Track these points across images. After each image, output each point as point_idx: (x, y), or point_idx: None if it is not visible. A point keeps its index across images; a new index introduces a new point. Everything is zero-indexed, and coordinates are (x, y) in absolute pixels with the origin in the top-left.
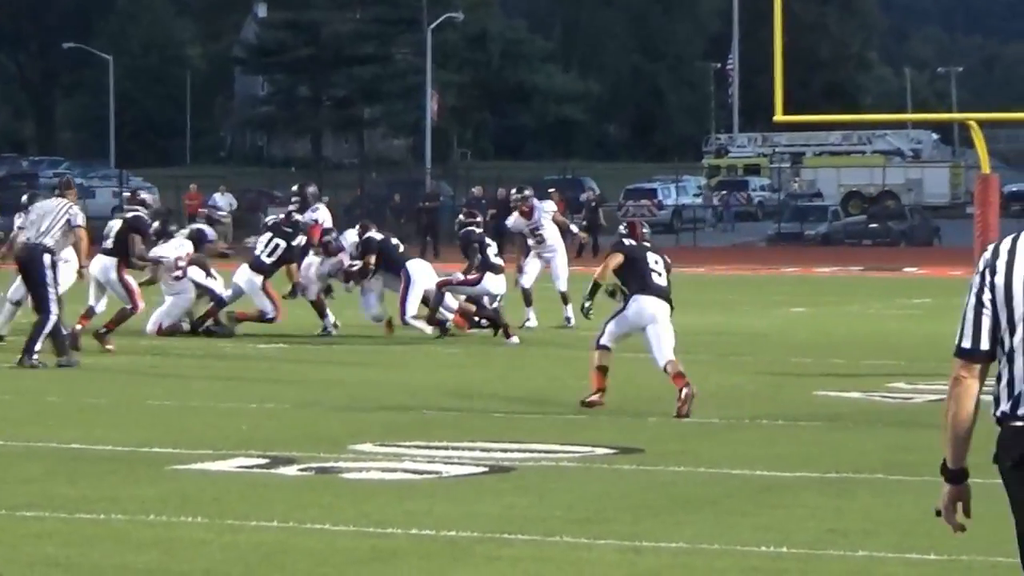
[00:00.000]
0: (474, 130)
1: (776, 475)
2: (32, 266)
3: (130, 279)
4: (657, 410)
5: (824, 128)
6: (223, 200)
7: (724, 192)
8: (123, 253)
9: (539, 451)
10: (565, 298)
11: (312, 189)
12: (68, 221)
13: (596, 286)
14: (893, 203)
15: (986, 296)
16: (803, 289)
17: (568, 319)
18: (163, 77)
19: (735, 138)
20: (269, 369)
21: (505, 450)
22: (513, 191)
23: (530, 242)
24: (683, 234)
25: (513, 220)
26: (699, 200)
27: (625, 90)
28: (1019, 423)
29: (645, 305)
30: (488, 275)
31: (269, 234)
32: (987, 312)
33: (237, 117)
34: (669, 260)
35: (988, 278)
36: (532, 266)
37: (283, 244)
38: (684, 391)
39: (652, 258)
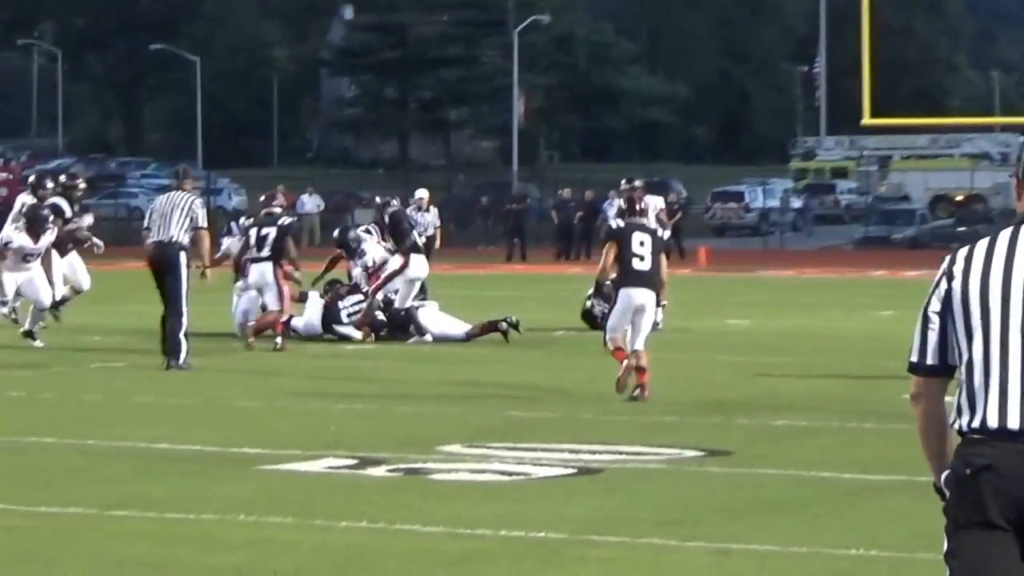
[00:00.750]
0: (561, 132)
1: (865, 478)
2: (166, 265)
3: (284, 284)
4: (745, 413)
5: (912, 131)
6: (311, 202)
7: (804, 195)
8: (279, 256)
9: (628, 453)
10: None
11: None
12: (192, 219)
13: (599, 284)
14: (981, 206)
15: (933, 308)
16: (890, 292)
17: (656, 322)
18: (250, 79)
19: (822, 141)
20: (357, 369)
21: (594, 452)
22: (623, 181)
23: None
24: (770, 237)
25: (616, 209)
26: (790, 203)
27: (712, 93)
28: (978, 436)
29: (631, 297)
30: (413, 257)
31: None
32: (933, 326)
33: (324, 119)
34: (663, 235)
35: (944, 284)
36: None
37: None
38: (641, 390)
39: (637, 240)
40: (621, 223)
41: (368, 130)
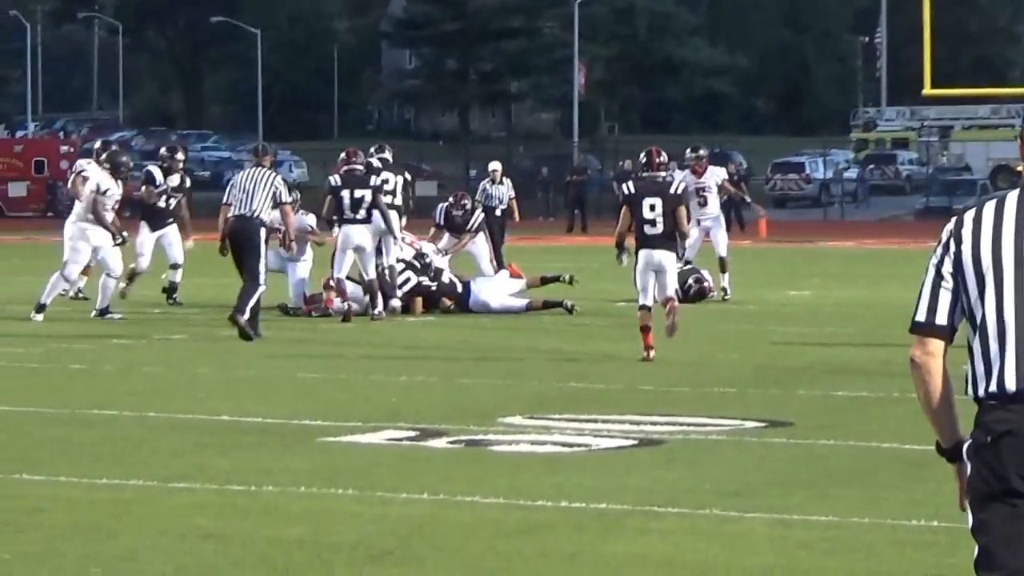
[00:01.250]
0: (621, 103)
1: (927, 449)
2: (247, 240)
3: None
4: (806, 384)
5: (973, 101)
6: None
7: (859, 167)
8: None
9: (689, 424)
10: (724, 265)
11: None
12: (275, 195)
13: (618, 245)
14: None
15: (946, 268)
16: None
17: (725, 289)
18: (310, 51)
19: (883, 111)
20: (418, 342)
21: (655, 423)
22: (688, 150)
23: (693, 205)
24: (830, 208)
25: (682, 177)
26: (847, 174)
27: (772, 63)
28: (995, 402)
29: (649, 256)
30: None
31: None
32: (947, 285)
33: (384, 91)
34: (679, 193)
35: (953, 248)
36: (695, 237)
37: None
38: (672, 318)
39: (647, 204)
40: (632, 188)
41: (428, 102)
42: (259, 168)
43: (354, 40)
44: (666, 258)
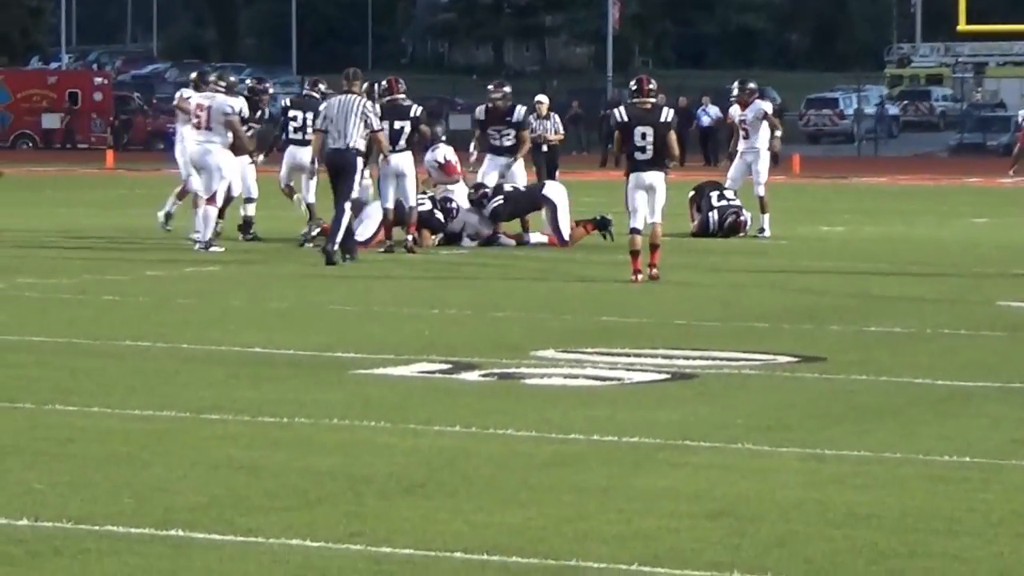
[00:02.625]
0: (655, 39)
1: (958, 384)
2: (344, 171)
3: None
4: (839, 319)
5: (1007, 38)
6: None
7: (878, 104)
8: (415, 148)
9: (721, 359)
10: (763, 205)
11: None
12: (366, 123)
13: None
14: None
15: None
16: (985, 200)
17: (762, 229)
18: None
19: (917, 48)
20: (450, 275)
21: (687, 357)
22: (736, 82)
23: (739, 140)
24: (863, 144)
25: (731, 110)
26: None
27: None
28: None
29: (638, 178)
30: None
31: None
32: None
33: (418, 24)
34: (668, 121)
35: None
36: (738, 170)
37: None
38: (652, 270)
39: (639, 133)
40: (624, 115)
41: (462, 36)
42: (349, 96)
43: None
44: (655, 178)
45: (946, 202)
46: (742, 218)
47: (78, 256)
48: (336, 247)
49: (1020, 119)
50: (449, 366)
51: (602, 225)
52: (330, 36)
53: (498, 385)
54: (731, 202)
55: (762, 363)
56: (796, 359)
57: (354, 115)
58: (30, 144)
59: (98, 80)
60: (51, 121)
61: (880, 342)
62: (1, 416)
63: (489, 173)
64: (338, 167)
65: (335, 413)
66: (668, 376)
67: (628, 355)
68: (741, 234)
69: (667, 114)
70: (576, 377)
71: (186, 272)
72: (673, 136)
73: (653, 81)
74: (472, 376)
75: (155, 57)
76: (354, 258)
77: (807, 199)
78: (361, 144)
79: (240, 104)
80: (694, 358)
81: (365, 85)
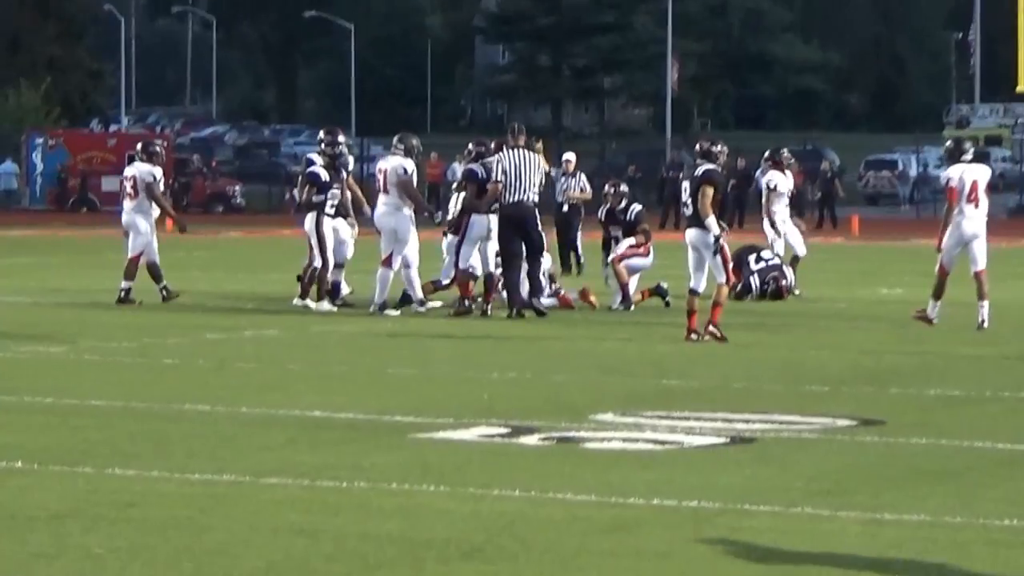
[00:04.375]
0: (714, 100)
1: (1019, 448)
2: (528, 222)
3: None
4: (898, 381)
5: None
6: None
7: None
8: None
9: (780, 422)
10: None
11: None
12: (541, 180)
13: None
14: None
15: None
16: None
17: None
18: (404, 45)
19: (976, 108)
20: (509, 338)
21: (747, 421)
22: (785, 151)
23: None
24: (923, 205)
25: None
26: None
27: (866, 60)
28: None
29: (686, 239)
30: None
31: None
32: None
33: (478, 86)
34: (698, 175)
35: None
36: (794, 235)
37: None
38: (709, 327)
39: (684, 188)
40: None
41: (522, 97)
42: (521, 150)
43: (447, 35)
44: (692, 236)
45: (1005, 263)
46: (784, 282)
47: (138, 319)
48: (532, 300)
49: (943, 180)
50: (508, 430)
51: (659, 292)
52: (389, 97)
53: (557, 449)
54: (770, 262)
55: (821, 426)
56: (855, 422)
57: (534, 171)
58: (89, 207)
59: (157, 143)
60: (111, 184)
61: (940, 405)
62: (62, 480)
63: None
64: (520, 219)
65: (394, 477)
66: (728, 440)
67: (688, 418)
68: (786, 296)
69: (701, 168)
70: (636, 441)
71: (246, 335)
72: (704, 190)
73: (707, 143)
74: (531, 440)
75: (214, 119)
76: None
77: (866, 261)
78: (536, 198)
79: (410, 166)
80: (754, 421)
81: (403, 144)
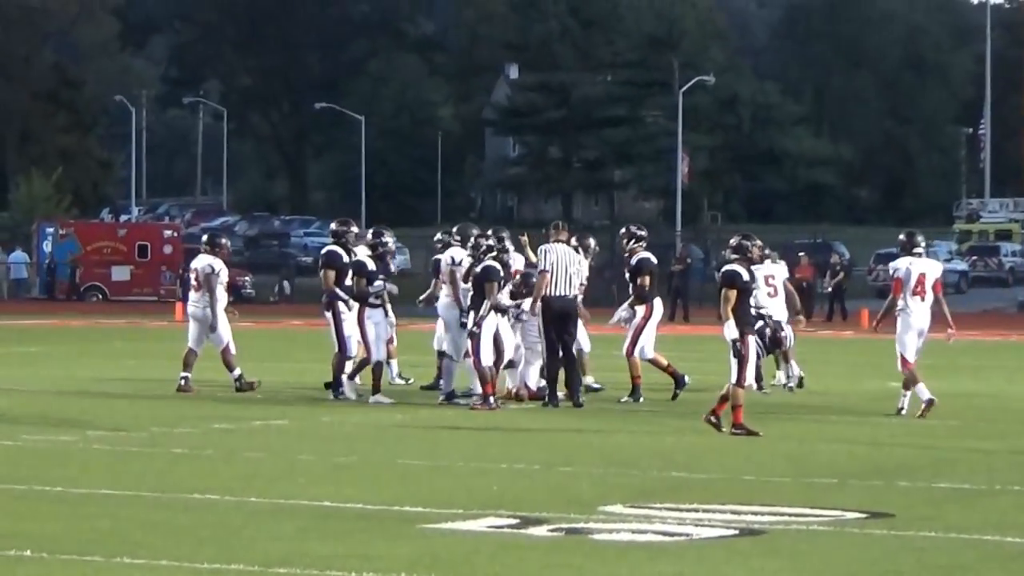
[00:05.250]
0: (724, 193)
1: None
2: (571, 319)
3: None
4: (907, 475)
5: None
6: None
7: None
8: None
9: (790, 514)
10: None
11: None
12: (580, 275)
13: None
14: None
15: None
16: None
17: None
18: (414, 138)
19: (986, 203)
20: (518, 430)
21: (756, 513)
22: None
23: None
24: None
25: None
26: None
27: (876, 154)
28: None
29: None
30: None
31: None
32: None
33: (488, 178)
34: (721, 275)
35: None
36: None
37: None
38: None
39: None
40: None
41: (532, 190)
42: (564, 244)
43: (458, 127)
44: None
45: (1015, 357)
46: (782, 333)
47: (147, 408)
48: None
49: (891, 270)
50: (517, 521)
51: (676, 382)
52: (400, 190)
53: (566, 540)
54: (767, 316)
55: (831, 519)
56: (865, 515)
57: (574, 266)
58: (100, 296)
59: (167, 233)
60: (121, 273)
61: (949, 498)
62: (72, 569)
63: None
64: (563, 314)
65: (403, 568)
66: (736, 532)
67: (697, 511)
68: (783, 348)
69: (724, 268)
70: (644, 532)
71: (254, 425)
72: (727, 294)
73: (740, 237)
74: (540, 531)
75: (225, 210)
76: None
77: (875, 353)
78: (580, 292)
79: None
80: (763, 514)
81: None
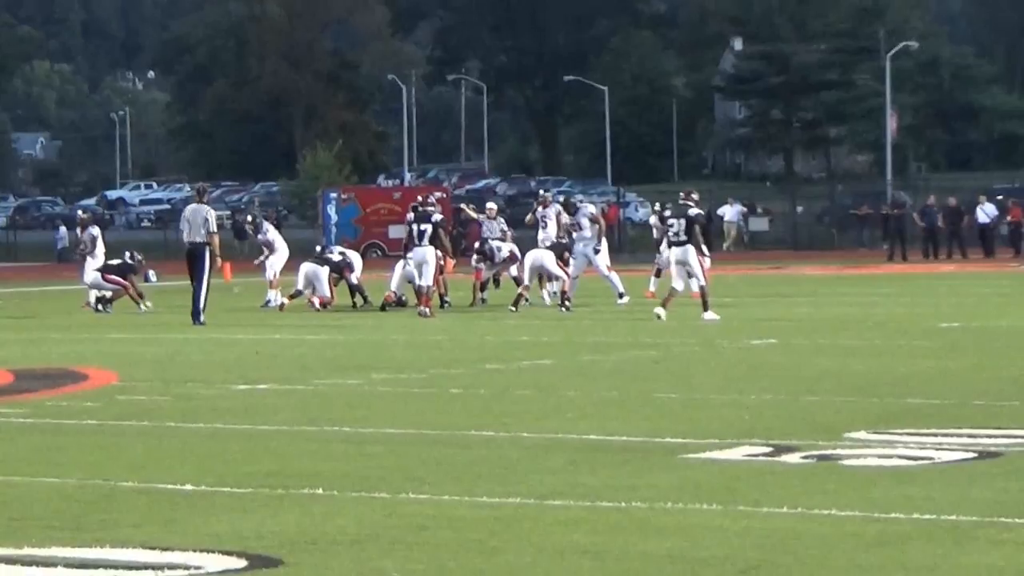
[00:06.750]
0: (928, 146)
1: None
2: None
3: None
4: None
5: None
6: (732, 210)
7: None
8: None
9: (1023, 437)
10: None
11: None
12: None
13: None
14: None
15: None
16: None
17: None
18: (652, 105)
19: None
20: (762, 362)
21: (990, 436)
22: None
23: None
24: None
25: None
26: None
27: None
28: None
29: None
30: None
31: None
32: None
33: (718, 138)
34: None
35: None
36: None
37: None
38: None
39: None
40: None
41: (757, 148)
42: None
43: (690, 94)
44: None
45: None
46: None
47: (425, 353)
48: None
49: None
50: (771, 449)
51: None
52: (640, 151)
53: (818, 467)
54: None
55: None
56: None
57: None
58: (379, 253)
59: (437, 195)
60: (397, 232)
61: None
62: (361, 505)
63: None
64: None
65: (669, 497)
66: (975, 455)
67: (935, 435)
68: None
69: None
70: (890, 457)
71: (523, 365)
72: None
73: None
74: (793, 458)
75: (486, 173)
76: None
77: None
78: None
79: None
80: (997, 437)
81: None
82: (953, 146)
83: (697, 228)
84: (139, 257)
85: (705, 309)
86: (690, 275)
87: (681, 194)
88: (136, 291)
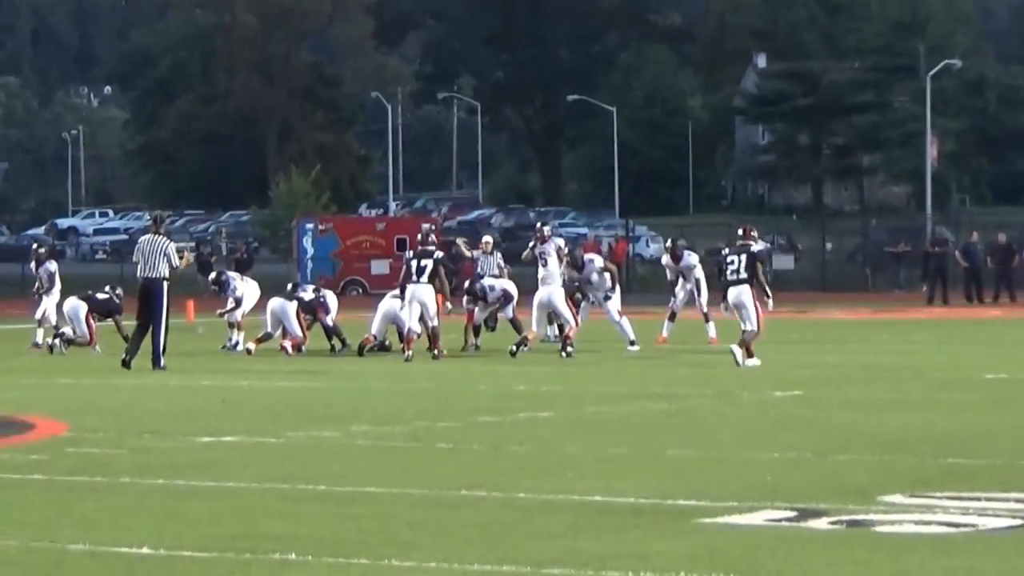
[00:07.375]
0: (972, 176)
1: None
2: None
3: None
4: None
5: None
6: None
7: None
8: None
9: None
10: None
11: None
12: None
13: None
14: None
15: None
16: None
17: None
18: (665, 127)
19: None
20: (786, 416)
21: None
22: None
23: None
24: None
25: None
26: None
27: None
28: None
29: None
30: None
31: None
32: None
33: (738, 166)
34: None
35: None
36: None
37: None
38: None
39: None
40: None
41: (782, 176)
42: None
43: (708, 116)
44: None
45: None
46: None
47: (410, 403)
48: None
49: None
50: (795, 513)
51: None
52: (652, 179)
53: (848, 533)
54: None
55: None
56: None
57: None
58: (359, 291)
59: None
60: (380, 267)
61: None
62: (338, 572)
63: None
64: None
65: (682, 566)
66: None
67: (979, 499)
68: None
69: None
70: (928, 524)
71: (520, 418)
72: None
73: None
74: (820, 523)
75: (480, 203)
76: None
77: None
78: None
79: None
80: None
81: None
82: (999, 176)
83: (760, 267)
84: (120, 293)
85: (749, 356)
86: (743, 318)
87: (740, 231)
88: (122, 334)
